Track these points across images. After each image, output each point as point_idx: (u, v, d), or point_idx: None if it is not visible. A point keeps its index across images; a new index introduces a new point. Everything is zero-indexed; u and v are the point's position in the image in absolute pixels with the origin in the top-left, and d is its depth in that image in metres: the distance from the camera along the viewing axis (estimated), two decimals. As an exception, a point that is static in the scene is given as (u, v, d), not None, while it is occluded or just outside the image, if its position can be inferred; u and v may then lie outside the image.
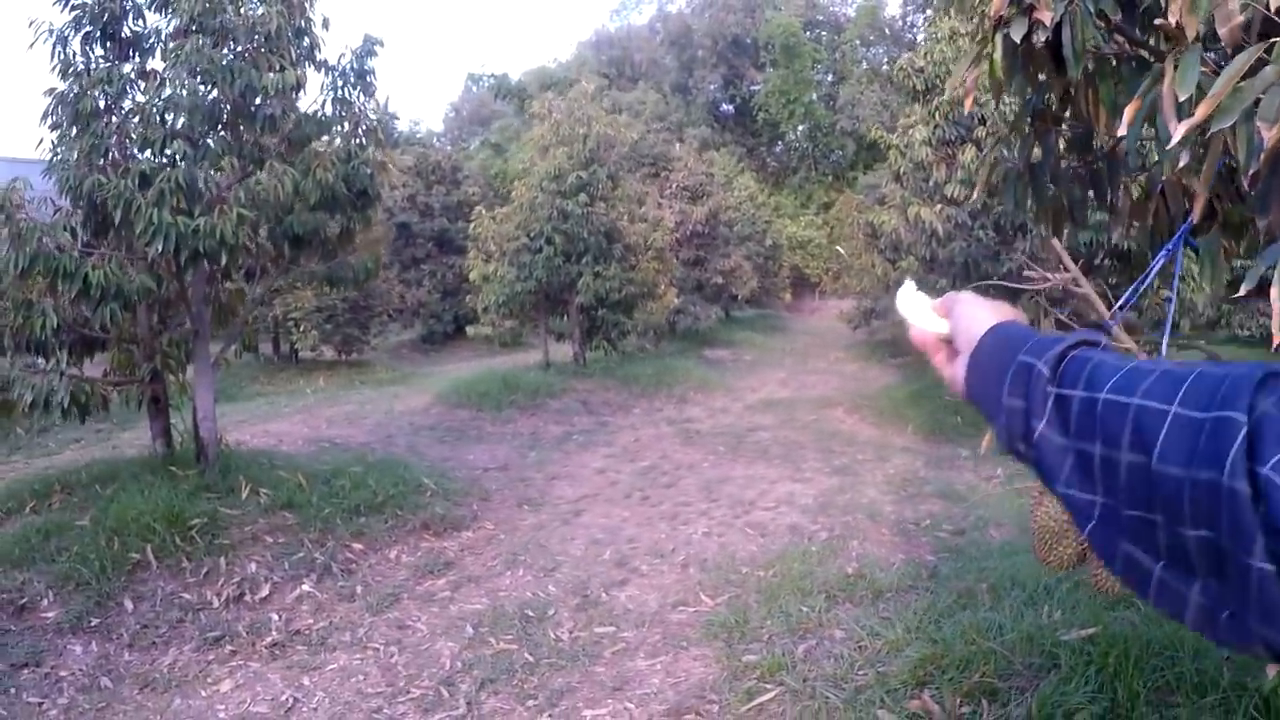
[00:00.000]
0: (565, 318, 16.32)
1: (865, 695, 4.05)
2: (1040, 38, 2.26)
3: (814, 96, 49.89)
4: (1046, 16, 2.21)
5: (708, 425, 12.46)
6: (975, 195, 2.98)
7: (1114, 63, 2.38)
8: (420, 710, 4.41)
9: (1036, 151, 2.80)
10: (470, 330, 26.29)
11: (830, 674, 4.36)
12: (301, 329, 19.57)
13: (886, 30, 52.52)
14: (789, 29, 48.39)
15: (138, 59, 7.24)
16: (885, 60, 50.50)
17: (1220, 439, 0.71)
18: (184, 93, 6.53)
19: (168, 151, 6.49)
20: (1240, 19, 1.73)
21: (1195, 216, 1.96)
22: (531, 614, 5.50)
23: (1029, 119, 2.77)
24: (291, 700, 4.60)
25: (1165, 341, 2.01)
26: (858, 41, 52.27)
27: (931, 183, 12.66)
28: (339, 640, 5.25)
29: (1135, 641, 3.87)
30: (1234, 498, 0.69)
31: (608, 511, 7.97)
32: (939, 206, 12.37)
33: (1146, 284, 1.92)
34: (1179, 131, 1.65)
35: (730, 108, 55.14)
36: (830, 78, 52.37)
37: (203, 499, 6.76)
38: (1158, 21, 1.99)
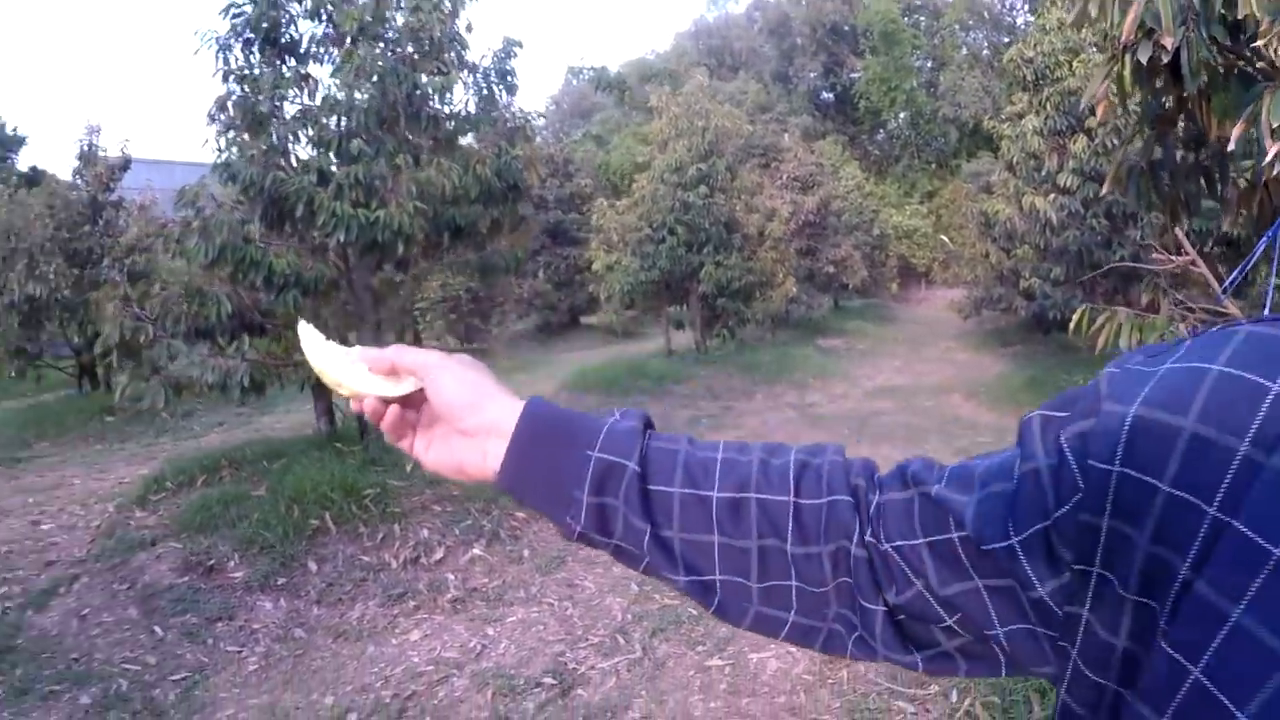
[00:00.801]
0: (686, 306, 16.90)
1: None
2: (1163, 57, 2.72)
3: (915, 83, 49.47)
4: (1168, 41, 2.66)
5: (830, 410, 12.93)
6: (1105, 189, 3.43)
7: (1223, 76, 2.82)
8: (600, 654, 4.98)
9: (1157, 150, 3.25)
10: (585, 319, 26.98)
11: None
12: (427, 318, 20.43)
13: (985, 14, 51.87)
14: (887, 15, 48.12)
15: (294, 63, 7.93)
16: (985, 45, 49.97)
17: (838, 516, 0.83)
18: (357, 95, 7.21)
19: (346, 149, 7.16)
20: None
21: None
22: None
23: (1150, 123, 3.22)
24: (479, 646, 5.21)
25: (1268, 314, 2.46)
26: (957, 26, 51.70)
27: (1044, 172, 12.91)
28: (514, 596, 5.86)
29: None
30: (857, 564, 0.82)
31: None
32: (1052, 195, 12.63)
33: (1251, 265, 2.36)
34: (1272, 151, 2.10)
35: (830, 96, 55.06)
36: (930, 64, 51.94)
37: (371, 472, 7.44)
38: (1257, 44, 2.44)
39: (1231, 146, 2.39)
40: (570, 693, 4.84)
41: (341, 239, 6.86)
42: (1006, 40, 45.92)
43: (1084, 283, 12.81)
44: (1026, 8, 46.99)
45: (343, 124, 7.28)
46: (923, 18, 53.05)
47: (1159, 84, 2.86)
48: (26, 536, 8.40)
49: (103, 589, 6.93)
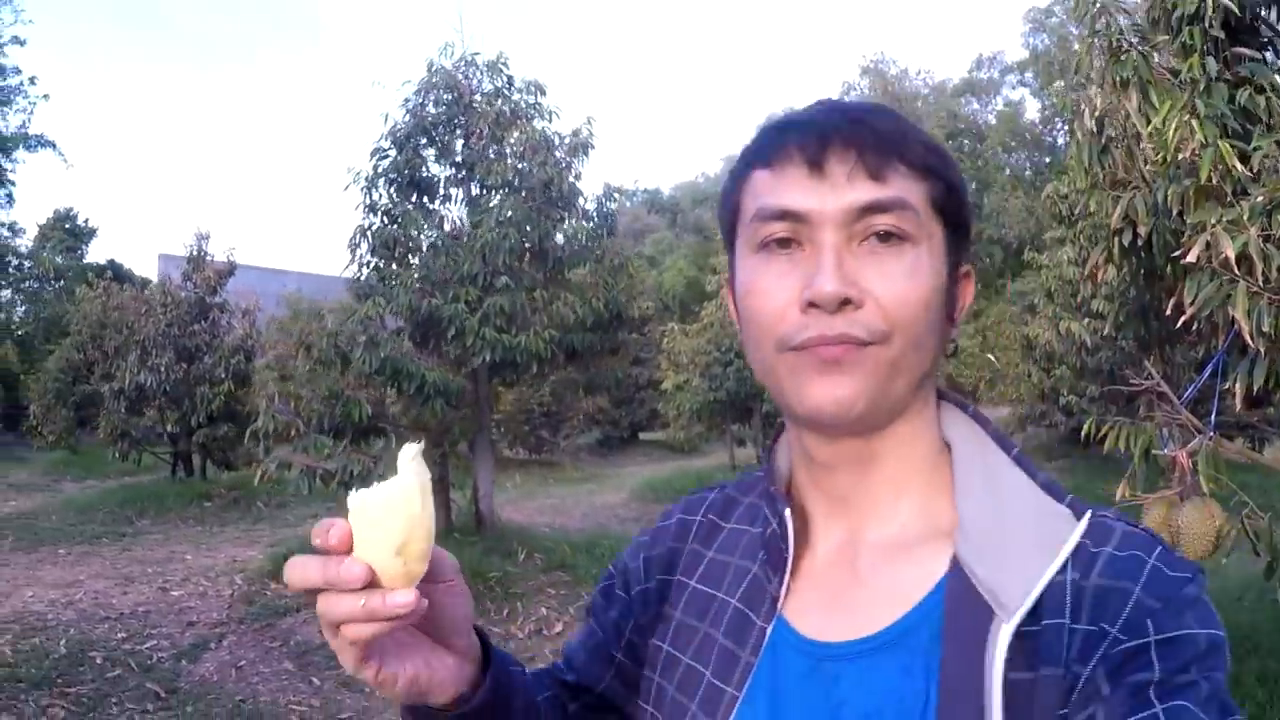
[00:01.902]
0: (749, 424, 18.05)
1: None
2: (1140, 239, 3.85)
3: None
4: (1142, 230, 3.80)
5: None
6: (1107, 329, 4.57)
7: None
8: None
9: (1146, 299, 4.38)
10: (644, 435, 28.07)
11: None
12: (503, 429, 21.64)
13: (1027, 135, 53.00)
14: (933, 140, 49.50)
15: (425, 200, 9.38)
16: (1028, 166, 50.97)
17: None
18: (498, 237, 8.59)
19: (490, 283, 8.54)
20: (1226, 252, 3.28)
21: (1223, 346, 3.51)
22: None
23: (1142, 280, 4.36)
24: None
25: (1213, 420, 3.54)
26: (999, 149, 52.85)
27: (1079, 298, 13.99)
28: None
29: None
30: None
31: None
32: (1086, 320, 13.69)
33: (1200, 384, 3.44)
34: (1190, 311, 3.21)
35: None
36: (974, 185, 53.10)
37: (491, 558, 8.60)
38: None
39: (1188, 311, 3.48)
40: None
41: (486, 358, 8.16)
42: (1047, 160, 46.96)
43: (1113, 399, 13.81)
44: (1065, 129, 48.11)
45: (487, 259, 8.64)
46: (966, 140, 54.27)
47: (1139, 258, 4.00)
48: (159, 601, 9.59)
49: (254, 645, 8.09)
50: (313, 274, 31.10)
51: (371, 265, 9.61)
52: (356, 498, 0.83)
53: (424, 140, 10.13)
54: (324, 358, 9.00)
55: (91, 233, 40.06)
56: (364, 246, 9.75)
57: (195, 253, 17.57)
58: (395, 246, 9.19)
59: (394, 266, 9.24)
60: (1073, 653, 0.81)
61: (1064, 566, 0.84)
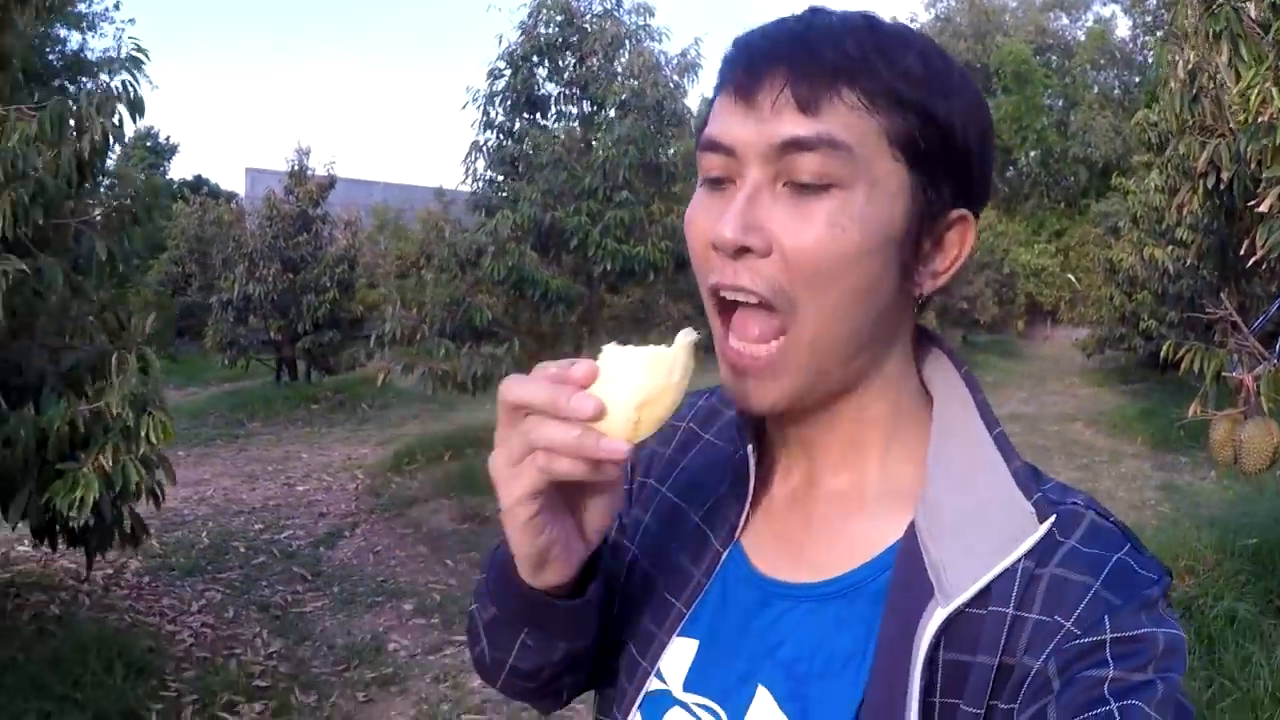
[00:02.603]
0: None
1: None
2: (1223, 184, 4.32)
3: (1045, 122, 49.47)
4: (1225, 175, 4.26)
5: (963, 430, 14.38)
6: (1190, 258, 5.07)
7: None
8: None
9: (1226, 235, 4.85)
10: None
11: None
12: (605, 335, 22.42)
13: (1116, 53, 51.69)
14: (1020, 55, 48.23)
15: (538, 117, 10.01)
16: (1116, 85, 49.82)
17: None
18: (618, 154, 9.21)
19: (611, 198, 9.18)
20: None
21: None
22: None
23: (1223, 218, 4.82)
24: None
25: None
26: (1088, 66, 51.60)
27: (1164, 225, 14.25)
28: None
29: None
30: None
31: None
32: (1169, 248, 13.95)
33: (1270, 316, 3.93)
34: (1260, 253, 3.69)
35: None
36: (1061, 103, 51.96)
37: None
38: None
39: (1260, 252, 3.95)
40: None
41: (606, 267, 8.82)
42: (1137, 79, 45.84)
43: (1192, 325, 14.14)
44: (1155, 49, 47.01)
45: (605, 176, 9.28)
46: (1054, 56, 53.10)
47: (1221, 199, 4.46)
48: (287, 496, 10.36)
49: (387, 532, 8.84)
50: (396, 184, 31.72)
51: (487, 179, 10.33)
52: (615, 348, 0.83)
53: (536, 59, 10.70)
54: (446, 266, 9.70)
55: (173, 149, 40.82)
56: (480, 162, 10.44)
57: (296, 167, 18.19)
58: (515, 162, 9.88)
59: (514, 181, 9.93)
60: (1019, 643, 0.80)
61: (1021, 556, 0.82)
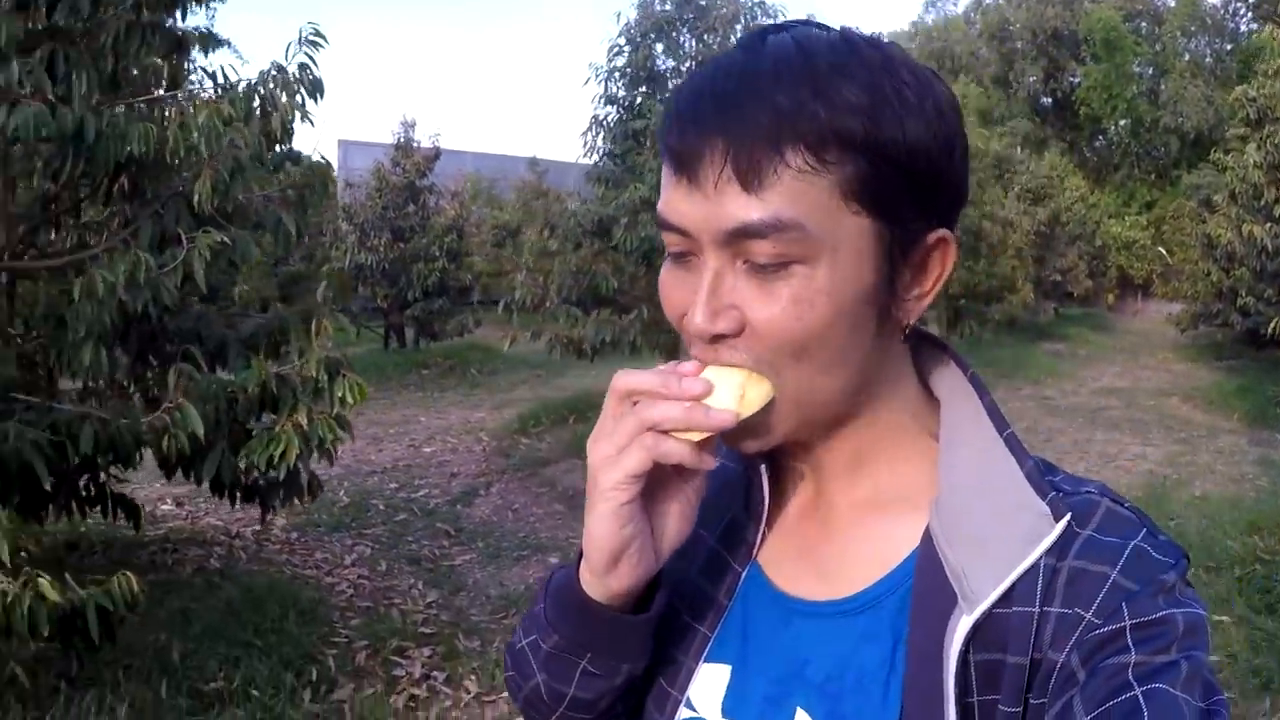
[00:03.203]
0: (932, 306, 18.87)
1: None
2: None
3: (1135, 91, 48.36)
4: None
5: (1064, 403, 14.79)
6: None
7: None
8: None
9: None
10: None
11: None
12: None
13: (1208, 20, 50.30)
14: (1109, 22, 46.92)
15: (656, 93, 10.40)
16: (1208, 53, 48.66)
17: None
18: None
19: None
20: None
21: None
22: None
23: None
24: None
25: None
26: (1179, 33, 50.29)
27: (1262, 202, 14.29)
28: None
29: None
30: None
31: None
32: (1268, 225, 14.02)
33: None
34: None
35: (1049, 101, 54.40)
36: (1151, 71, 50.81)
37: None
38: None
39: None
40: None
41: None
42: (1229, 47, 44.79)
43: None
44: (1250, 15, 45.82)
45: None
46: (1144, 23, 51.82)
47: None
48: (414, 457, 10.82)
49: (522, 491, 9.30)
50: (488, 154, 32.15)
51: (607, 153, 10.79)
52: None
53: (654, 36, 11.08)
54: (570, 236, 10.15)
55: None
56: (601, 136, 10.89)
57: (401, 139, 18.73)
58: (639, 136, 10.29)
59: (639, 155, 10.33)
60: (1045, 638, 0.80)
61: (1040, 555, 0.82)
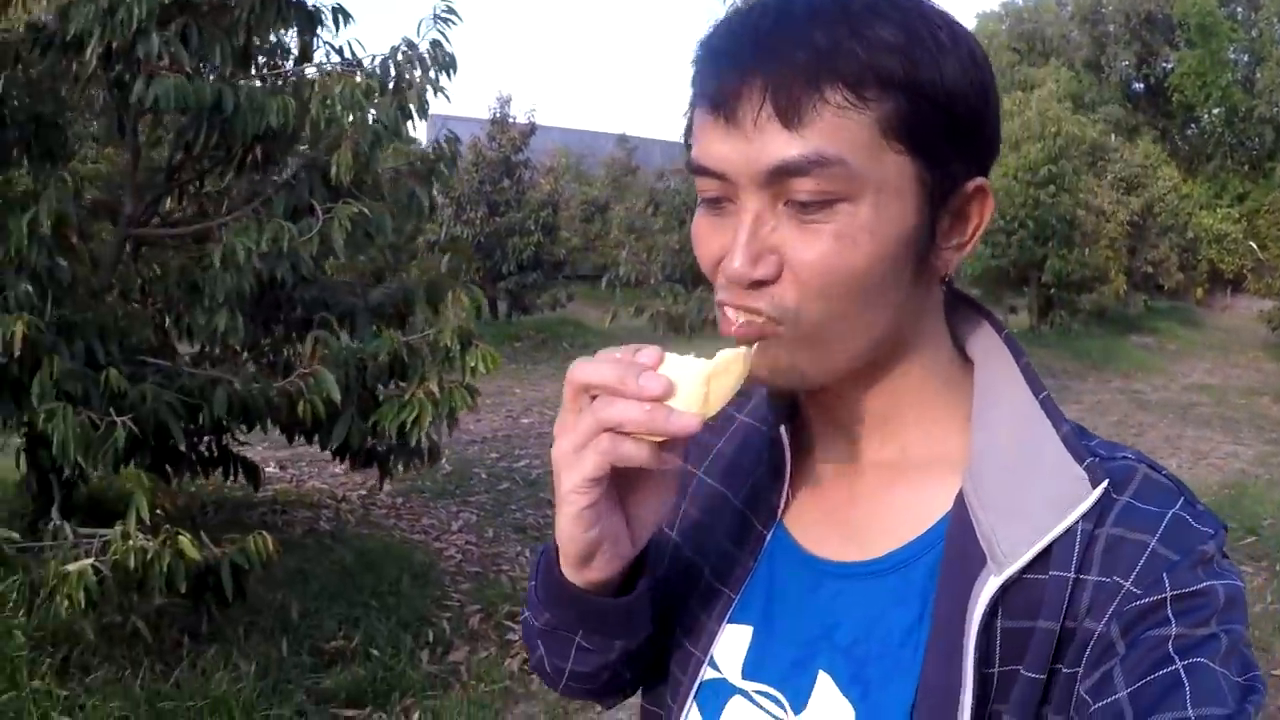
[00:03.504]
0: (1023, 293, 19.02)
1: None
2: None
3: (1230, 79, 47.22)
4: None
5: (1153, 398, 14.80)
6: None
7: None
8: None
9: None
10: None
11: None
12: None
13: None
14: (1204, 7, 45.61)
15: None
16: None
17: None
18: None
19: None
20: None
21: None
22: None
23: None
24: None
25: None
26: (1275, 20, 48.82)
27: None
28: None
29: None
30: None
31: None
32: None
33: None
34: None
35: (1141, 87, 53.31)
36: (1246, 58, 49.50)
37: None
38: None
39: None
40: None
41: None
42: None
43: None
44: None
45: None
46: (1239, 8, 50.38)
47: None
48: (513, 427, 11.05)
49: None
50: (574, 129, 32.40)
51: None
52: (674, 355, 0.82)
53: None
54: (675, 213, 10.38)
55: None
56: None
57: (497, 115, 19.07)
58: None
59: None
60: (1081, 606, 0.78)
61: (1076, 520, 0.80)
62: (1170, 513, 0.80)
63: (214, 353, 5.25)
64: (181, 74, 4.47)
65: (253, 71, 5.32)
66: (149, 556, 3.81)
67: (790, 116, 0.77)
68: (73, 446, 3.84)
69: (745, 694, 0.95)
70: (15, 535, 4.18)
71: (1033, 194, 17.99)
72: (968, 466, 0.86)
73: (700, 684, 0.98)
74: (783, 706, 0.92)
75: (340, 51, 5.36)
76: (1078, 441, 0.84)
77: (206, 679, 4.32)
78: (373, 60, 5.10)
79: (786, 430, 0.98)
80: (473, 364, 4.83)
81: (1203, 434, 11.93)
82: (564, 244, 20.41)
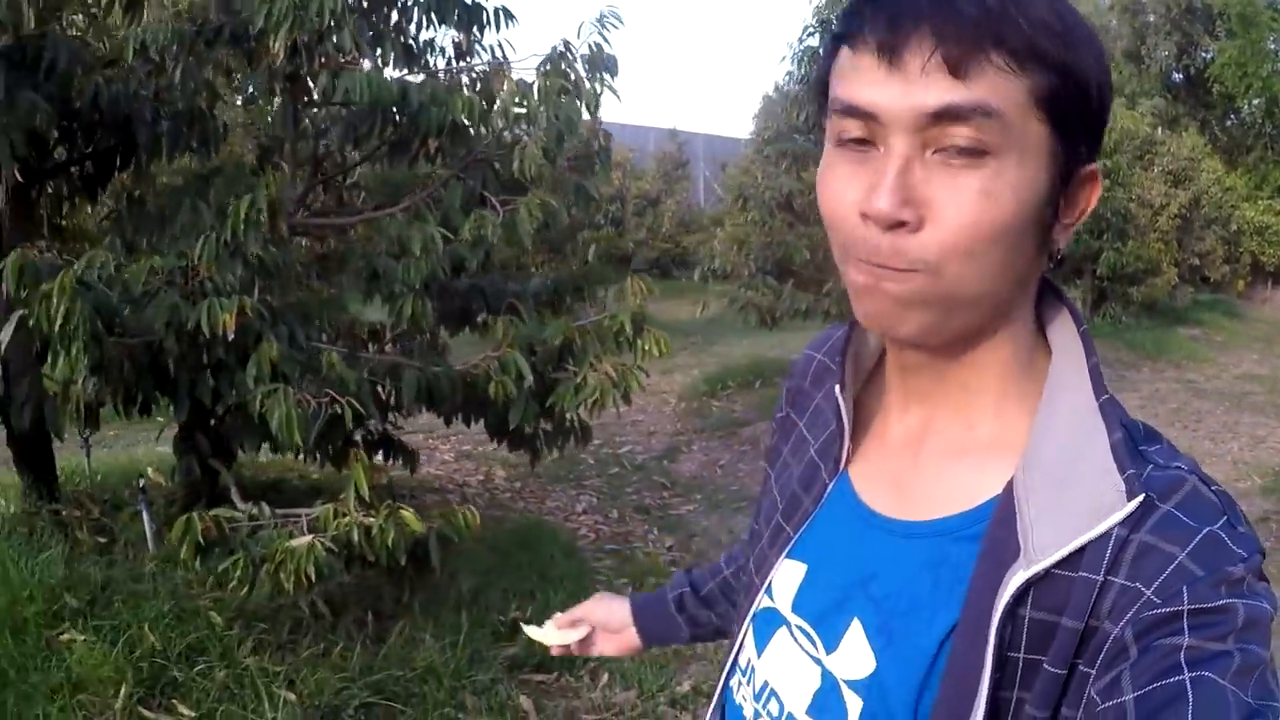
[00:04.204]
0: (1076, 285, 19.60)
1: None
2: None
3: (1271, 69, 47.02)
4: None
5: (1208, 387, 15.37)
6: None
7: None
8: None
9: None
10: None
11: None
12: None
13: None
14: None
15: None
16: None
17: None
18: None
19: None
20: None
21: None
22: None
23: None
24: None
25: None
26: None
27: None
28: None
29: None
30: None
31: (1165, 431, 10.90)
32: None
33: None
34: None
35: (1181, 77, 53.05)
36: None
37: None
38: None
39: None
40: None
41: None
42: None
43: None
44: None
45: None
46: None
47: None
48: (607, 416, 11.32)
49: (724, 449, 9.84)
50: (622, 124, 32.76)
51: (789, 128, 11.77)
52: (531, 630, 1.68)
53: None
54: (765, 208, 10.98)
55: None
56: (786, 110, 11.85)
57: (563, 112, 19.61)
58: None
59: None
60: (1104, 607, 0.80)
61: (1109, 529, 0.81)
62: (1207, 529, 0.80)
63: (385, 337, 5.46)
64: (358, 68, 4.71)
65: (424, 65, 5.56)
66: (373, 530, 4.02)
67: (958, 66, 0.79)
68: (295, 427, 3.96)
69: (790, 626, 1.03)
70: (239, 514, 4.35)
71: (1090, 188, 18.35)
72: (1023, 455, 0.88)
73: (756, 611, 1.09)
74: (815, 645, 0.99)
75: (491, 50, 5.62)
76: (1126, 450, 0.85)
77: (410, 650, 4.58)
78: (543, 60, 5.19)
79: (844, 394, 1.05)
80: (646, 347, 5.04)
81: (1259, 420, 12.42)
82: (633, 237, 20.91)
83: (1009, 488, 0.88)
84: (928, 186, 0.82)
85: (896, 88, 0.81)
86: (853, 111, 0.84)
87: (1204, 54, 50.55)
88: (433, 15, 5.28)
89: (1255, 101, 47.27)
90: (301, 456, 5.04)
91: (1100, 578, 0.80)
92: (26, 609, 4.22)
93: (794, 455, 1.14)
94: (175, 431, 5.24)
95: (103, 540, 5.13)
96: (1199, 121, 48.24)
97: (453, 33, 5.55)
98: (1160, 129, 27.49)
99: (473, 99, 4.92)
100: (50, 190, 5.43)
